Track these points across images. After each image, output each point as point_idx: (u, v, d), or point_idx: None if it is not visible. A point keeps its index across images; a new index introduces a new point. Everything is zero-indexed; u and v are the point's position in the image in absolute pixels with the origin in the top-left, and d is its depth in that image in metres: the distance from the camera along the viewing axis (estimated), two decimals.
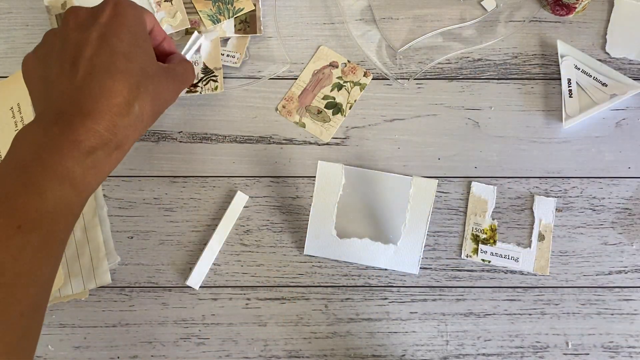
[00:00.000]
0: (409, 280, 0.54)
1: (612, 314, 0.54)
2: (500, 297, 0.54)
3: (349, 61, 0.57)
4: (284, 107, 0.57)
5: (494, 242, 0.53)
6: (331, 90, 0.57)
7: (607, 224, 0.55)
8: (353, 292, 0.54)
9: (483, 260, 0.53)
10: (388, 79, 0.57)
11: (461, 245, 0.54)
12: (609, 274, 0.54)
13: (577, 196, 0.55)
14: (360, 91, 0.57)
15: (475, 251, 0.53)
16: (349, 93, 0.57)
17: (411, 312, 0.54)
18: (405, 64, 0.57)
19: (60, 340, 0.53)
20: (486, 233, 0.53)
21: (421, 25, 0.58)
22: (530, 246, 0.54)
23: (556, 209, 0.55)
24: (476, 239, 0.53)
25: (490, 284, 0.54)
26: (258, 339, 0.54)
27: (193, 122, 0.56)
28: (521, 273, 0.54)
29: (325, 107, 0.56)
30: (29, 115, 0.53)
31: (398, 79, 0.57)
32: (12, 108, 0.54)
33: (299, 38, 0.58)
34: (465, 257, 0.53)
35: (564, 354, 0.53)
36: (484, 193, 0.54)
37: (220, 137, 0.56)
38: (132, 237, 0.55)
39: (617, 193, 0.55)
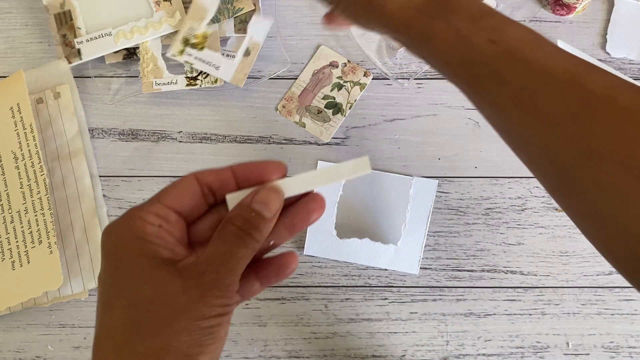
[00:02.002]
0: (409, 280, 0.54)
1: (613, 314, 0.54)
2: (501, 297, 0.54)
3: (349, 61, 0.57)
4: (284, 107, 0.56)
5: (202, 48, 0.53)
6: (331, 90, 0.57)
7: None
8: (353, 292, 0.54)
9: (186, 62, 0.54)
10: (388, 79, 0.57)
11: (461, 245, 0.54)
12: (609, 274, 0.54)
13: None
14: (361, 91, 0.57)
15: (181, 52, 0.54)
16: (349, 93, 0.57)
17: (411, 312, 0.54)
18: (405, 63, 0.57)
19: (60, 340, 0.53)
20: (197, 39, 0.53)
21: None
22: (235, 58, 0.54)
23: (555, 209, 0.55)
24: (186, 42, 0.53)
25: (490, 284, 0.54)
26: (258, 339, 0.53)
27: (193, 122, 0.56)
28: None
29: (325, 107, 0.56)
30: (28, 115, 0.53)
31: (398, 78, 0.57)
32: (11, 108, 0.54)
33: (299, 38, 0.58)
34: (170, 56, 0.54)
35: (565, 354, 0.53)
36: (206, 1, 0.54)
37: (220, 137, 0.56)
38: None
39: None
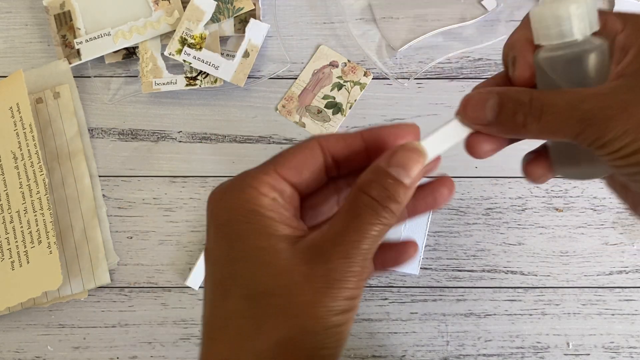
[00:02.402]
0: (409, 280, 0.54)
1: (613, 315, 0.53)
2: (501, 297, 0.54)
3: (349, 61, 0.57)
4: (283, 106, 0.56)
5: (200, 48, 0.53)
6: (331, 90, 0.57)
7: (608, 224, 0.54)
8: None
9: (184, 61, 0.54)
10: (388, 79, 0.57)
11: (462, 245, 0.54)
12: (610, 274, 0.54)
13: (578, 196, 0.55)
14: (361, 91, 0.57)
15: (179, 52, 0.53)
16: (349, 93, 0.56)
17: (411, 313, 0.53)
18: (405, 63, 0.57)
19: (60, 340, 0.53)
20: (195, 39, 0.53)
21: (421, 25, 0.58)
22: (234, 59, 0.54)
23: (556, 209, 0.55)
24: (184, 42, 0.53)
25: (490, 284, 0.54)
26: None
27: (192, 121, 0.56)
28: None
29: (325, 106, 0.56)
30: (28, 115, 0.53)
31: (398, 78, 0.57)
32: (11, 108, 0.54)
33: (298, 37, 0.58)
34: (168, 55, 0.54)
35: (565, 354, 0.53)
36: (203, 4, 0.54)
37: (219, 136, 0.56)
38: (131, 237, 0.55)
39: None
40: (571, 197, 0.55)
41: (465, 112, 0.26)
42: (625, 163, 0.23)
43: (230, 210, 0.24)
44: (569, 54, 0.25)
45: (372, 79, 0.57)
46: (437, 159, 0.27)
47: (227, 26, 0.56)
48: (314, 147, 0.25)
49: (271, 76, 0.57)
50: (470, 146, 0.27)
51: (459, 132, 0.27)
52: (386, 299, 0.54)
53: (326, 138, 0.26)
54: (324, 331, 0.23)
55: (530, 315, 0.53)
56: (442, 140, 0.26)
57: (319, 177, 0.26)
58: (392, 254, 0.27)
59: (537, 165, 0.29)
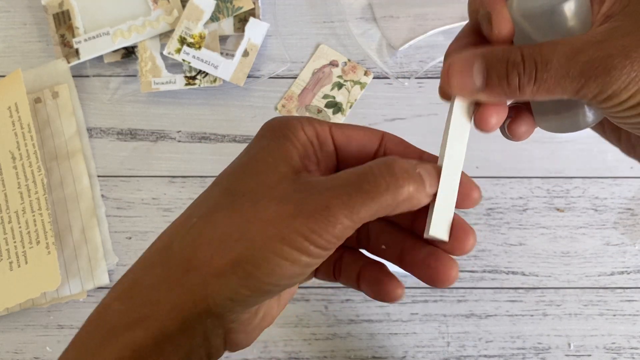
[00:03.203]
0: (409, 281, 0.54)
1: (615, 315, 0.53)
2: (502, 298, 0.53)
3: (349, 60, 0.57)
4: (283, 106, 0.56)
5: (199, 47, 0.53)
6: (331, 90, 0.56)
7: (610, 224, 0.54)
8: (353, 293, 0.54)
9: (184, 60, 0.53)
10: (389, 78, 0.57)
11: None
12: (611, 274, 0.54)
13: (579, 196, 0.54)
14: (361, 90, 0.56)
15: (178, 51, 0.53)
16: (349, 92, 0.56)
17: (412, 313, 0.53)
18: (406, 62, 0.57)
19: (58, 341, 0.53)
20: (194, 38, 0.53)
21: (422, 24, 0.57)
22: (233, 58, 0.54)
23: (557, 209, 0.54)
24: (183, 41, 0.52)
25: (491, 285, 0.53)
26: (258, 340, 0.53)
27: (192, 121, 0.56)
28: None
29: (326, 106, 0.56)
30: (26, 114, 0.53)
31: (399, 78, 0.57)
32: (9, 107, 0.53)
33: (298, 37, 0.57)
34: (167, 54, 0.54)
35: (566, 355, 0.53)
36: (202, 3, 0.54)
37: (219, 136, 0.56)
38: (130, 238, 0.54)
39: (619, 193, 0.55)
40: (572, 197, 0.55)
41: (449, 81, 0.25)
42: (633, 113, 0.22)
43: (271, 128, 0.25)
44: (548, 1, 0.23)
45: (373, 78, 0.56)
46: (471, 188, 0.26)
47: (227, 25, 0.56)
48: (375, 132, 0.27)
49: (271, 75, 0.57)
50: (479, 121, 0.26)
51: (462, 124, 0.26)
52: None
53: (392, 137, 0.27)
54: (277, 260, 0.22)
55: (532, 316, 0.53)
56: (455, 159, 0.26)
57: (362, 156, 0.26)
58: (374, 286, 0.27)
59: (519, 122, 0.28)
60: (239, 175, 0.25)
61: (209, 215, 0.24)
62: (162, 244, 0.25)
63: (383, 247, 0.27)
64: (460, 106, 0.26)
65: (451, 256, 0.25)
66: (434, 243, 0.26)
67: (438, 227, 0.25)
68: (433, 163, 0.26)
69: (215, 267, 0.23)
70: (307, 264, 0.23)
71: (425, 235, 0.25)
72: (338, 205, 0.22)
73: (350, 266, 0.28)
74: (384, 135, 0.27)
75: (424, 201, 0.24)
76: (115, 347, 0.23)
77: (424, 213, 0.25)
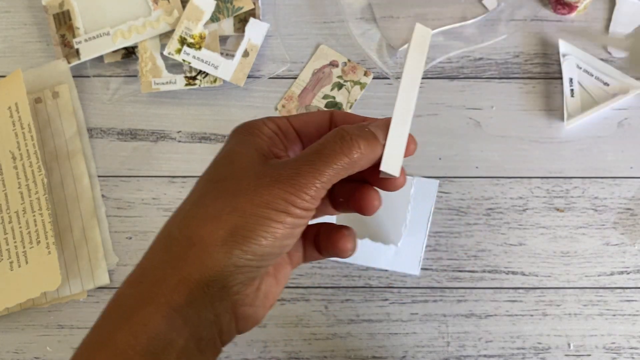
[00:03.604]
0: (409, 281, 0.54)
1: (614, 315, 0.53)
2: (502, 298, 0.53)
3: (349, 60, 0.57)
4: (283, 106, 0.56)
5: (199, 48, 0.53)
6: (331, 90, 0.56)
7: (609, 224, 0.54)
8: (353, 293, 0.54)
9: (184, 60, 0.54)
10: (389, 78, 0.57)
11: (463, 245, 0.54)
12: (611, 274, 0.54)
13: (579, 196, 0.55)
14: (361, 90, 0.56)
15: (179, 51, 0.53)
16: (349, 92, 0.56)
17: (412, 313, 0.53)
18: None
19: (59, 341, 0.53)
20: (194, 39, 0.53)
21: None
22: (233, 59, 0.55)
23: (557, 209, 0.54)
24: (183, 41, 0.52)
25: (491, 285, 0.54)
26: (258, 340, 0.53)
27: (192, 121, 0.56)
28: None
29: (325, 106, 0.56)
30: (26, 114, 0.53)
31: (399, 78, 0.57)
32: (9, 107, 0.53)
33: (298, 37, 0.57)
34: (167, 54, 0.54)
35: (566, 355, 0.53)
36: (203, 3, 0.54)
37: (219, 136, 0.56)
38: (130, 238, 0.54)
39: (619, 193, 0.55)
40: (572, 197, 0.55)
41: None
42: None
43: (238, 129, 0.30)
44: None
45: (373, 78, 0.57)
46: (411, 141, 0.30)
47: (227, 25, 0.56)
48: (325, 112, 0.31)
49: (271, 76, 0.57)
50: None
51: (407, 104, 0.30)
52: (386, 299, 0.53)
53: (339, 112, 0.31)
54: (254, 217, 0.26)
55: (531, 315, 0.53)
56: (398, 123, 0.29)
57: (323, 134, 0.29)
58: (330, 245, 0.31)
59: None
60: (217, 167, 0.29)
61: (199, 200, 0.28)
62: (162, 234, 0.28)
63: (341, 199, 0.31)
64: (413, 58, 0.30)
65: (376, 189, 0.30)
66: (383, 182, 0.30)
67: (389, 164, 0.28)
68: (383, 118, 0.30)
69: (215, 238, 0.26)
70: (293, 223, 0.26)
71: (380, 175, 0.29)
72: (306, 169, 0.26)
73: (324, 235, 0.32)
74: (332, 113, 0.31)
75: (378, 152, 0.28)
76: (128, 327, 0.25)
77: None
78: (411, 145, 0.29)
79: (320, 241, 0.31)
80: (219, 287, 0.26)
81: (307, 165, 0.27)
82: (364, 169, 0.28)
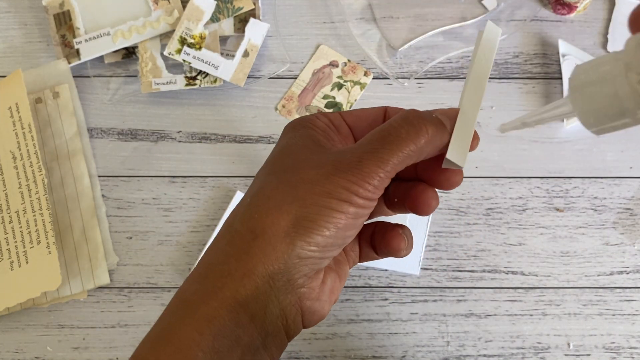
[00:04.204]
0: (409, 280, 0.54)
1: (614, 315, 0.53)
2: (502, 297, 0.53)
3: (349, 60, 0.57)
4: (283, 106, 0.56)
5: (200, 48, 0.53)
6: (331, 90, 0.56)
7: (609, 224, 0.54)
8: (353, 292, 0.54)
9: (184, 60, 0.54)
10: (388, 79, 0.57)
11: (462, 245, 0.54)
12: (611, 274, 0.54)
13: (579, 196, 0.55)
14: (361, 90, 0.56)
15: (179, 51, 0.53)
16: (349, 92, 0.56)
17: (412, 313, 0.53)
18: (405, 63, 0.57)
19: (59, 341, 0.53)
20: (194, 39, 0.53)
21: (422, 24, 0.57)
22: (234, 59, 0.55)
23: (557, 209, 0.54)
24: (183, 42, 0.52)
25: (491, 285, 0.54)
26: None
27: (192, 121, 0.56)
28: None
29: (326, 106, 0.56)
30: (27, 114, 0.53)
31: (398, 78, 0.57)
32: (10, 107, 0.54)
33: (298, 37, 0.57)
34: (168, 55, 0.54)
35: (565, 354, 0.53)
36: (203, 3, 0.54)
37: (219, 136, 0.56)
38: (130, 238, 0.54)
39: (618, 193, 0.55)
40: (572, 197, 0.55)
41: None
42: None
43: (291, 125, 0.30)
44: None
45: (372, 78, 0.57)
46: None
47: (227, 26, 0.56)
48: (379, 108, 0.31)
49: (271, 76, 0.57)
50: None
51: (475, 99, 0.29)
52: (386, 299, 0.53)
53: (394, 108, 0.30)
54: (315, 207, 0.25)
55: (531, 315, 0.53)
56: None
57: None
58: (384, 245, 0.30)
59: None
60: (275, 160, 0.28)
61: (260, 192, 0.27)
62: (225, 228, 0.27)
63: (395, 200, 0.30)
64: (483, 53, 0.29)
65: (435, 190, 0.29)
66: (443, 176, 0.29)
67: (455, 153, 0.27)
68: (447, 108, 0.29)
69: (278, 229, 0.25)
70: (355, 213, 0.26)
71: (443, 165, 0.28)
72: (369, 157, 0.25)
73: (379, 234, 0.31)
74: (386, 109, 0.30)
75: (446, 139, 0.27)
76: (193, 320, 0.25)
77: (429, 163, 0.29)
78: (475, 139, 0.28)
79: (375, 240, 0.30)
80: (284, 280, 0.25)
81: (370, 152, 0.25)
82: (429, 157, 0.27)
